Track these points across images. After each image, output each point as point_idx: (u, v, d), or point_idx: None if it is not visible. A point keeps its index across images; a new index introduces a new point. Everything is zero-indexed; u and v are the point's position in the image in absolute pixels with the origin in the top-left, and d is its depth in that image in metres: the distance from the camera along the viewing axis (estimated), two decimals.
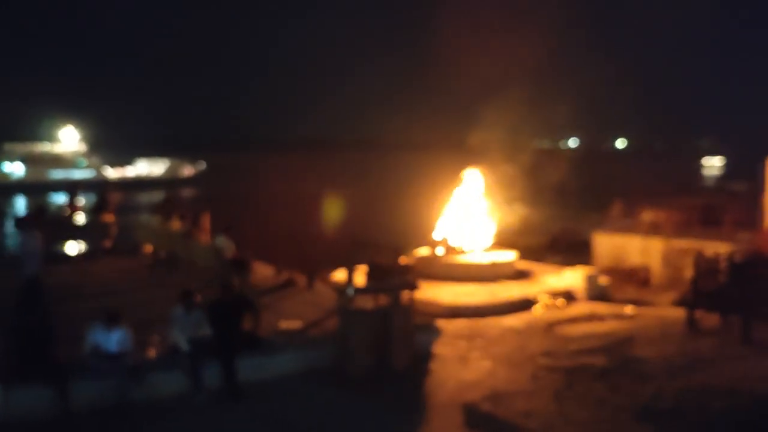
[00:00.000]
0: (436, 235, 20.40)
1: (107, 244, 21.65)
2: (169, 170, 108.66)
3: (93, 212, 21.66)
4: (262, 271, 17.75)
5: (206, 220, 20.34)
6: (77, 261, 19.86)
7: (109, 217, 21.10)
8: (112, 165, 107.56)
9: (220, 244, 15.93)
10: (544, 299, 16.74)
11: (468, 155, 21.14)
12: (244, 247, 17.30)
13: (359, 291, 12.33)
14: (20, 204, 73.65)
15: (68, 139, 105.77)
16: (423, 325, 13.15)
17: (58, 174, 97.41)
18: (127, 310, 11.23)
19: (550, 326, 14.93)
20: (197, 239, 17.27)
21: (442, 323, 14.30)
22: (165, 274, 17.96)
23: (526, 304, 16.52)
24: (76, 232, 20.32)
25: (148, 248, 20.04)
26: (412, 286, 12.57)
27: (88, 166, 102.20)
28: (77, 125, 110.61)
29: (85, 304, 14.39)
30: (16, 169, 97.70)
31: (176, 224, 19.12)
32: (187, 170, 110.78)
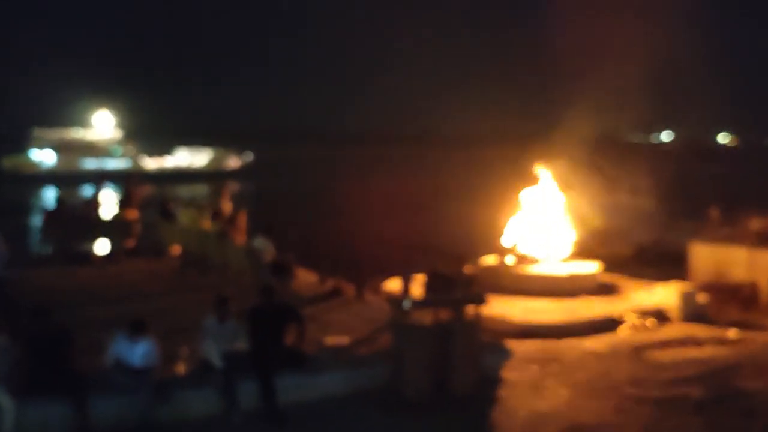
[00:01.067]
0: (506, 242, 20.30)
1: (130, 243, 22.10)
2: (212, 161, 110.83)
3: (117, 207, 22.13)
4: (305, 278, 17.90)
5: (243, 219, 20.61)
6: (97, 262, 20.33)
7: (132, 214, 21.51)
8: (150, 154, 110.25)
9: (258, 245, 16.11)
10: (631, 319, 16.52)
11: (546, 150, 20.99)
12: (286, 250, 17.47)
13: (417, 304, 12.31)
14: (49, 196, 75.72)
15: (102, 126, 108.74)
16: (490, 345, 13.08)
17: (91, 163, 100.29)
18: (152, 318, 11.43)
19: (638, 350, 14.72)
20: (233, 240, 17.49)
21: (511, 344, 14.20)
22: (195, 278, 18.27)
23: (610, 324, 16.32)
24: (97, 230, 20.76)
25: (176, 249, 20.38)
26: (478, 300, 12.50)
27: (123, 155, 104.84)
28: (112, 110, 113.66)
29: (106, 310, 14.72)
30: (46, 157, 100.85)
31: (208, 222, 19.41)
32: (233, 162, 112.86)
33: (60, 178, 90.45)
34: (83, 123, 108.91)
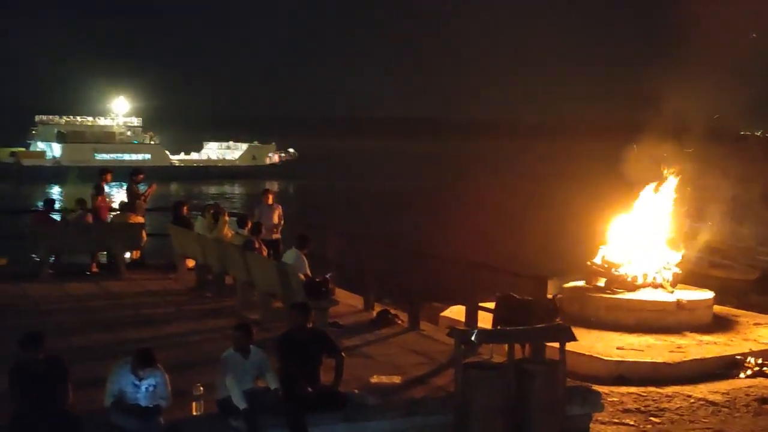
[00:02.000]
0: (598, 261, 20.15)
1: (135, 254, 22.35)
2: (247, 156, 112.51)
3: (119, 210, 22.38)
4: (348, 301, 17.92)
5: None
6: (95, 277, 20.59)
7: (136, 218, 21.76)
8: (174, 147, 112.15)
9: (290, 260, 16.16)
10: (753, 362, 16.30)
11: (652, 145, 20.82)
12: (325, 267, 17.50)
13: (486, 337, 12.23)
14: (54, 193, 77.23)
15: (119, 113, 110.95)
16: (576, 390, 12.95)
17: (105, 156, 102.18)
18: (161, 347, 11.52)
19: (762, 402, 14.53)
20: (259, 253, 17.59)
21: (603, 390, 14.07)
22: (214, 299, 18.39)
23: (726, 369, 16.12)
24: (95, 237, 21.02)
25: (190, 263, 20.55)
26: (563, 334, 12.39)
27: (143, 148, 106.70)
28: (130, 95, 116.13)
29: (106, 336, 14.88)
30: (53, 148, 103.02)
31: (228, 231, 19.55)
32: (273, 157, 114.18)
33: (67, 172, 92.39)
34: (96, 111, 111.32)
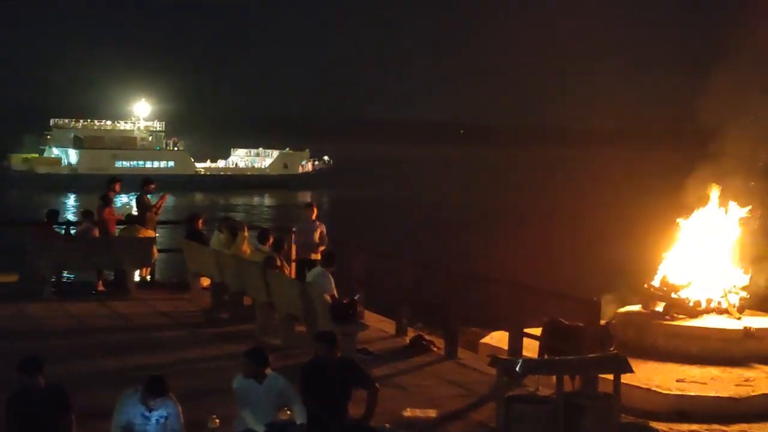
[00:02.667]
0: (657, 283, 19.99)
1: (144, 272, 22.41)
2: (279, 164, 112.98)
3: (126, 223, 22.43)
4: (378, 325, 17.91)
5: (291, 243, 20.68)
6: (100, 296, 20.66)
7: (146, 232, 21.80)
8: (200, 154, 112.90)
9: (315, 279, 16.13)
10: None
11: (719, 158, 20.65)
12: (353, 287, 17.47)
13: (531, 367, 12.15)
14: (69, 204, 77.93)
15: (140, 117, 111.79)
16: (631, 427, 12.85)
17: (125, 163, 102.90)
18: (173, 375, 11.49)
19: None
20: (281, 271, 17.58)
21: (661, 427, 13.95)
22: (230, 321, 18.40)
23: None
24: (102, 252, 21.09)
25: (205, 282, 20.57)
26: (617, 365, 12.28)
27: (166, 155, 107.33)
28: (153, 98, 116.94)
29: (113, 362, 14.93)
30: (69, 155, 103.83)
31: (247, 247, 19.53)
32: (306, 165, 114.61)
33: (84, 181, 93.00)
34: (115, 115, 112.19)
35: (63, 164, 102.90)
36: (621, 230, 52.92)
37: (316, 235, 19.77)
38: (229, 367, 14.31)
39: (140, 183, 23.06)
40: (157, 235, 22.78)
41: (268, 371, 10.87)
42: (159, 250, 22.44)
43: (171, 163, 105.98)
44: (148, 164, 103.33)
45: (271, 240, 18.72)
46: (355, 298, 16.46)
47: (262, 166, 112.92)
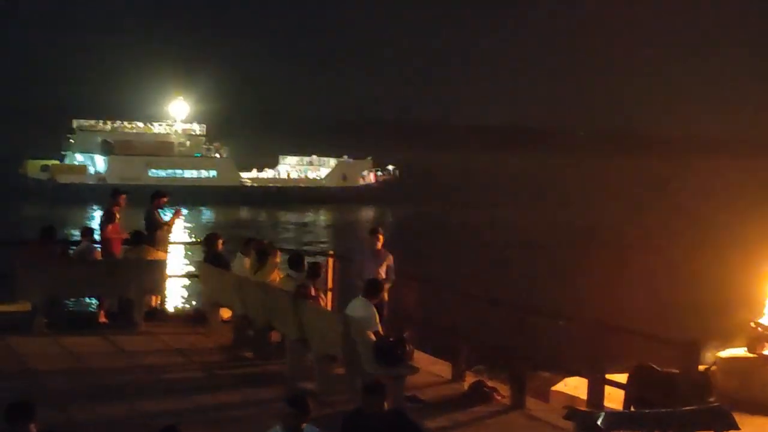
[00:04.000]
0: (765, 322, 19.84)
1: (155, 301, 22.48)
2: (336, 175, 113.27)
3: (131, 242, 22.52)
4: (431, 368, 17.91)
5: (329, 269, 20.68)
6: (102, 329, 20.78)
7: (157, 253, 21.90)
8: (245, 162, 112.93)
9: (356, 312, 16.11)
10: None
11: None
12: (402, 323, 17.44)
13: (616, 421, 12.12)
14: (93, 219, 78.23)
15: (177, 118, 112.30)
16: None
17: (160, 172, 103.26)
18: (187, 424, 11.57)
19: None
20: (316, 302, 17.60)
21: None
22: (255, 361, 18.44)
23: None
24: (105, 277, 21.17)
25: (226, 313, 20.63)
26: (719, 419, 12.23)
27: (209, 163, 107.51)
28: (191, 96, 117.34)
29: (115, 408, 14.99)
30: (96, 162, 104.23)
31: (277, 274, 19.57)
32: (368, 176, 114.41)
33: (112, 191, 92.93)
34: (149, 116, 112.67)
35: (89, 173, 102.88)
36: (722, 256, 52.53)
37: (382, 270, 18.81)
38: (253, 416, 14.41)
39: (150, 196, 23.16)
40: (168, 257, 22.89)
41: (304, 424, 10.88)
42: (171, 276, 22.48)
43: (213, 173, 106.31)
44: (187, 173, 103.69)
45: (305, 265, 18.74)
46: (405, 335, 16.44)
47: (317, 177, 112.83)
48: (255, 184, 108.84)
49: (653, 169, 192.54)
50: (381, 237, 19.23)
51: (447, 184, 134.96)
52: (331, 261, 22.00)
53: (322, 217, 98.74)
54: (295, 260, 19.02)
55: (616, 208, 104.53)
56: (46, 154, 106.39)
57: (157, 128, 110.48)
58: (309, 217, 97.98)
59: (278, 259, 19.92)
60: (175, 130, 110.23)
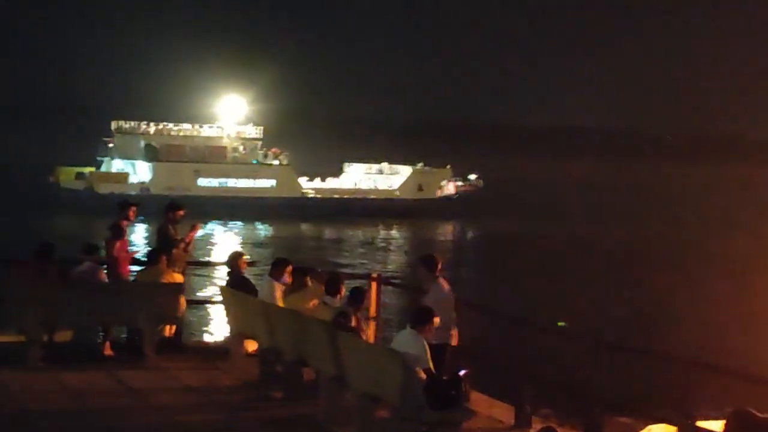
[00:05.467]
0: None
1: (168, 331, 22.40)
2: (411, 185, 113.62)
3: (145, 263, 22.50)
4: (491, 411, 17.88)
5: (372, 295, 20.52)
6: (108, 363, 20.70)
7: (172, 275, 21.83)
8: (307, 170, 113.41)
9: (404, 345, 15.98)
10: None
11: None
12: (455, 358, 17.26)
13: None
14: (137, 236, 78.82)
15: (230, 119, 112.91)
16: None
17: (211, 181, 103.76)
18: None
19: None
20: (356, 333, 17.49)
21: None
22: (284, 402, 18.34)
23: None
24: (111, 302, 21.13)
25: (251, 346, 20.53)
26: None
27: (267, 171, 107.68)
28: (247, 94, 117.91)
29: None
30: (138, 169, 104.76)
31: (312, 299, 19.43)
32: (447, 186, 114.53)
33: (157, 204, 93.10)
34: (197, 117, 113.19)
35: (130, 180, 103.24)
36: None
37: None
38: None
39: (164, 208, 23.13)
40: (186, 280, 22.84)
41: None
42: (188, 301, 22.41)
43: (271, 182, 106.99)
44: (241, 183, 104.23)
45: (343, 290, 18.64)
46: (460, 373, 16.28)
47: (389, 187, 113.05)
48: (318, 196, 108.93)
49: (745, 177, 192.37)
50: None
51: (531, 194, 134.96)
52: (374, 285, 21.83)
53: (394, 234, 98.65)
54: (331, 284, 18.95)
55: (708, 223, 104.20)
56: (81, 161, 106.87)
57: (207, 131, 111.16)
58: (379, 233, 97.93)
59: (309, 282, 19.79)
60: (228, 134, 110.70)
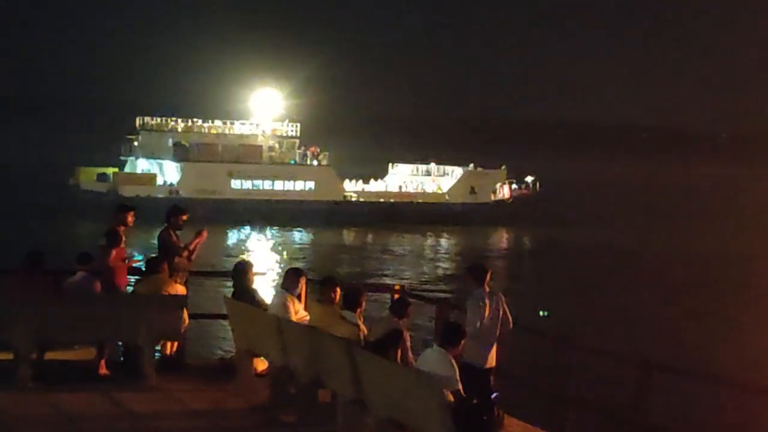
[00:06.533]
0: None
1: (170, 348, 22.42)
2: (463, 187, 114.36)
3: (144, 272, 22.49)
4: None
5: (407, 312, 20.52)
6: (103, 383, 20.72)
7: (174, 286, 21.81)
8: (349, 171, 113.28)
9: (431, 366, 15.98)
10: None
11: None
12: (490, 378, 17.23)
13: None
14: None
15: (266, 115, 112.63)
16: None
17: (245, 184, 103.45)
18: None
19: None
20: (406, 353, 17.49)
21: None
22: (297, 425, 18.33)
23: None
24: (107, 316, 21.13)
25: (261, 365, 20.54)
26: None
27: (306, 172, 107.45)
28: (283, 88, 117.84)
29: None
30: (166, 169, 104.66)
31: (333, 313, 19.36)
32: (502, 189, 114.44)
33: (186, 207, 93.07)
34: (229, 113, 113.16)
35: (156, 182, 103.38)
36: None
37: (509, 320, 18.47)
38: None
39: (166, 213, 23.12)
40: (189, 291, 22.79)
41: None
42: (192, 315, 22.38)
43: (310, 185, 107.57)
44: (278, 185, 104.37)
45: (363, 304, 18.62)
46: (492, 396, 16.27)
47: (438, 190, 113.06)
48: (361, 199, 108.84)
49: None
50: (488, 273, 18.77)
51: (587, 198, 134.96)
52: (396, 297, 21.81)
53: (443, 242, 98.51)
54: (350, 297, 18.92)
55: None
56: (102, 160, 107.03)
57: (240, 128, 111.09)
58: (428, 241, 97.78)
59: (336, 295, 19.69)
60: (263, 131, 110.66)
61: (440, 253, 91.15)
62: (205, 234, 23.85)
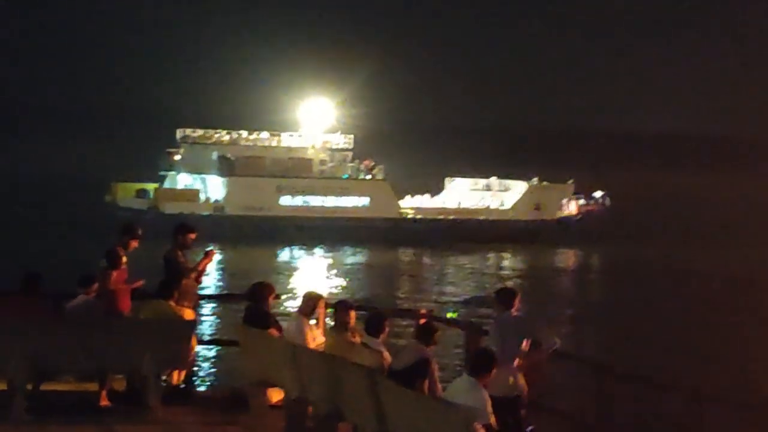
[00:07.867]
0: None
1: (177, 377, 22.67)
2: (527, 203, 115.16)
3: (148, 296, 22.74)
4: None
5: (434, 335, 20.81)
6: (105, 415, 21.08)
7: (181, 309, 22.09)
8: (404, 186, 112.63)
9: (461, 396, 16.25)
10: None
11: None
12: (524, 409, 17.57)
13: None
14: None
15: (316, 127, 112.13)
16: None
17: (296, 200, 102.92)
18: None
19: None
20: (415, 387, 17.70)
21: None
22: None
23: None
24: (108, 343, 21.39)
25: (275, 395, 20.85)
26: None
27: (360, 187, 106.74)
28: (336, 98, 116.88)
29: None
30: (209, 185, 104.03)
31: (354, 339, 19.67)
32: (569, 205, 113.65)
33: (233, 227, 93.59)
34: (277, 124, 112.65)
35: (201, 198, 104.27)
36: None
37: (524, 345, 18.67)
38: None
39: (173, 231, 23.25)
40: (197, 316, 23.04)
41: None
42: (201, 342, 22.55)
43: (364, 200, 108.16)
44: (329, 201, 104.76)
45: (387, 330, 18.83)
46: (528, 430, 16.56)
47: (501, 206, 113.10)
48: (419, 216, 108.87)
49: None
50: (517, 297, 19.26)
51: (658, 213, 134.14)
52: (422, 323, 22.02)
53: (506, 262, 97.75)
54: (373, 322, 19.15)
55: None
56: (141, 175, 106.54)
57: (288, 140, 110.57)
58: (489, 261, 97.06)
59: (352, 318, 19.91)
60: (313, 144, 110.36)
61: (506, 272, 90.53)
62: (213, 254, 24.08)
